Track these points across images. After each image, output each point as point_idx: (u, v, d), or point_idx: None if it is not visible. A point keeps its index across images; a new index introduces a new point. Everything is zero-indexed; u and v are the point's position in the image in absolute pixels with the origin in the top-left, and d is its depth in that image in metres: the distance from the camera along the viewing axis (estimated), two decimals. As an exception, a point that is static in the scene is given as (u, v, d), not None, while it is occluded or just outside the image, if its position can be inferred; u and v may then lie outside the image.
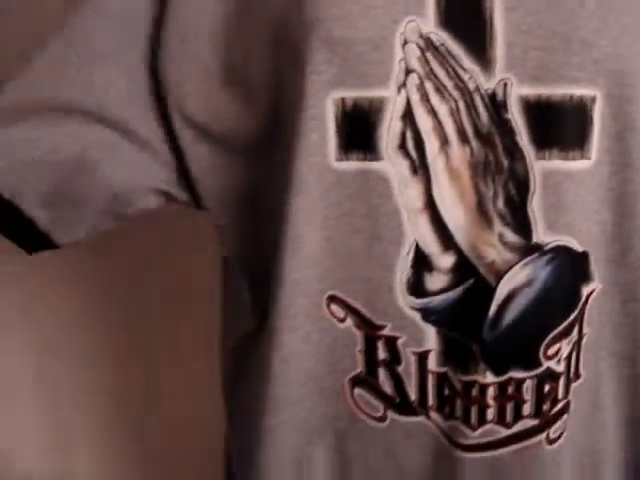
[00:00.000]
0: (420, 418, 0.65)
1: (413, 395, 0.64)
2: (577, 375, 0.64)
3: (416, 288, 0.61)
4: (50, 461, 1.41)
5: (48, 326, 1.33)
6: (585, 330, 0.63)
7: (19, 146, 0.65)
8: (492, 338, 0.61)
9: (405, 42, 0.57)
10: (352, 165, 0.60)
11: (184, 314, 1.16)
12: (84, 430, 1.41)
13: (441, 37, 0.57)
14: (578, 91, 0.58)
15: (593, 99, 0.58)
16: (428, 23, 0.57)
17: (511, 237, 0.59)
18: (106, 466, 1.43)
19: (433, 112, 0.58)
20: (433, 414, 0.65)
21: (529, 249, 0.60)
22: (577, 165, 0.59)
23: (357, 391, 0.65)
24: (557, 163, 0.58)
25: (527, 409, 0.63)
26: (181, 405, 1.33)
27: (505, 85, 0.58)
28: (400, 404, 0.65)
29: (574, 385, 0.64)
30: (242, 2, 0.63)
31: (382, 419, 0.66)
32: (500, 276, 0.60)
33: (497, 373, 0.62)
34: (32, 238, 0.69)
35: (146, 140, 0.66)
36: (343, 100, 0.59)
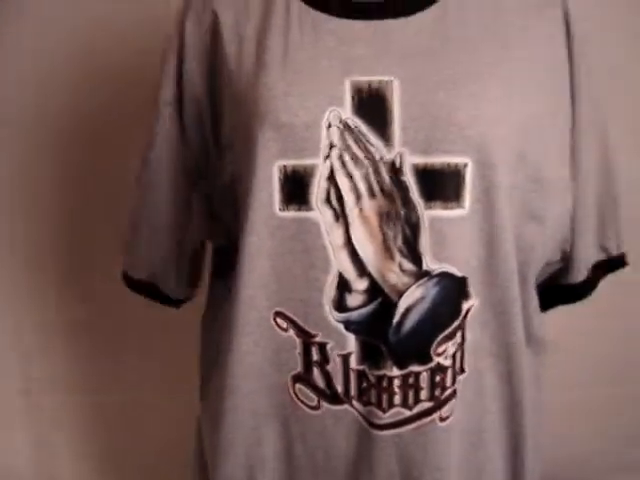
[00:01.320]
0: (345, 406, 0.82)
1: (339, 388, 0.82)
2: (462, 369, 0.82)
3: (339, 305, 0.79)
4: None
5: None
6: (467, 335, 0.81)
7: None
8: (395, 341, 0.79)
9: (329, 125, 0.76)
10: (291, 214, 0.78)
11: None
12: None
13: (355, 122, 0.77)
14: (454, 160, 0.76)
15: (465, 165, 0.77)
16: (346, 112, 0.76)
17: (408, 266, 0.78)
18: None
19: (350, 175, 0.77)
20: (355, 402, 0.82)
21: (421, 274, 0.78)
22: (455, 213, 0.77)
23: (297, 385, 0.83)
24: (440, 212, 0.77)
25: (424, 395, 0.80)
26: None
27: (401, 156, 0.76)
28: (330, 395, 0.82)
29: (459, 377, 0.82)
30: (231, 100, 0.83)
31: (317, 408, 0.83)
32: (400, 295, 0.78)
33: (400, 367, 0.79)
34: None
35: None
36: (285, 167, 0.78)
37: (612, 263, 0.98)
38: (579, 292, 0.96)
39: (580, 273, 0.94)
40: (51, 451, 1.65)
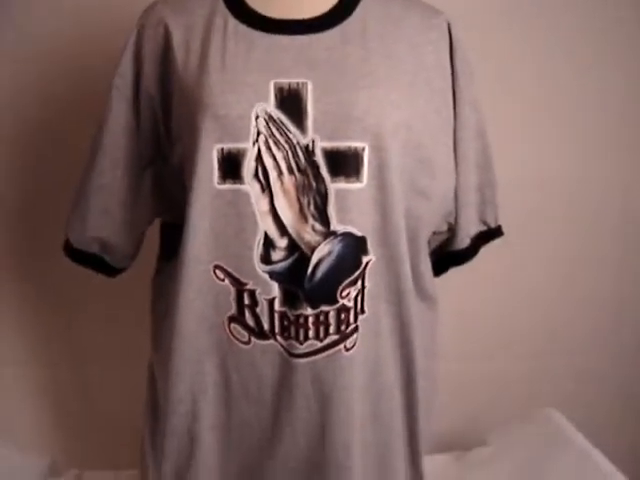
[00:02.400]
0: (271, 341, 1.00)
1: (266, 326, 0.99)
2: (362, 310, 1.01)
3: (265, 259, 0.97)
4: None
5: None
6: (366, 283, 1.00)
7: None
8: (309, 287, 0.97)
9: (257, 116, 0.95)
10: (227, 186, 0.97)
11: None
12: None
13: (278, 114, 0.95)
14: (354, 144, 0.95)
15: (363, 149, 0.95)
16: (270, 106, 0.95)
17: (319, 227, 0.96)
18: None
19: (273, 156, 0.95)
20: (278, 337, 1.00)
21: (329, 234, 0.96)
22: (355, 186, 0.96)
23: (232, 325, 1.01)
24: (343, 185, 0.96)
25: (332, 329, 0.99)
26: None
27: (313, 141, 0.95)
28: (258, 332, 1.00)
29: (361, 316, 1.00)
30: (179, 97, 1.00)
31: (247, 343, 1.01)
32: (313, 250, 0.96)
33: (313, 308, 0.98)
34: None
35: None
36: (222, 149, 0.96)
37: (491, 233, 1.19)
38: (464, 257, 1.17)
39: (463, 241, 1.15)
40: (12, 418, 1.75)
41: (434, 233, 1.13)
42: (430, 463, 1.18)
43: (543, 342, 1.85)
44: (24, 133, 1.61)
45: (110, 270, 1.16)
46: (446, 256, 1.18)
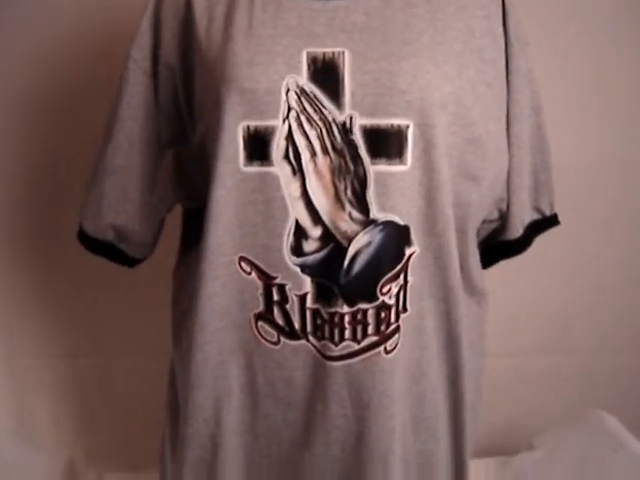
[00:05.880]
0: (302, 341, 0.92)
1: (297, 325, 0.91)
2: (405, 308, 0.91)
3: (296, 250, 0.88)
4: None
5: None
6: (409, 278, 0.91)
7: None
8: (346, 282, 0.88)
9: (288, 90, 0.86)
10: (254, 169, 0.88)
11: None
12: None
13: (311, 87, 0.86)
14: (397, 121, 0.86)
15: (407, 126, 0.86)
16: (302, 79, 0.86)
17: (356, 215, 0.87)
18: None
19: (306, 135, 0.86)
20: (310, 337, 0.91)
21: (368, 222, 0.87)
22: (397, 169, 0.87)
23: (259, 323, 0.92)
24: (384, 167, 0.86)
25: (370, 329, 0.90)
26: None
27: (351, 118, 0.86)
28: (289, 332, 0.92)
29: (402, 315, 0.91)
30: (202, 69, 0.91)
31: (276, 343, 0.93)
32: (350, 241, 0.87)
33: (350, 305, 0.89)
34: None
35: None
36: (248, 127, 0.87)
37: (546, 222, 1.08)
38: (516, 248, 1.07)
39: (516, 230, 1.04)
40: (31, 413, 1.71)
41: (484, 221, 1.03)
42: (472, 469, 1.09)
43: (593, 338, 1.75)
44: (37, 112, 1.55)
45: (127, 260, 1.08)
46: (496, 247, 1.07)
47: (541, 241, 1.10)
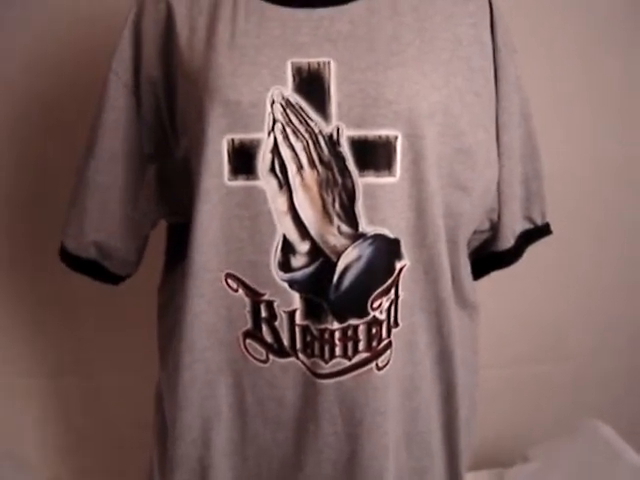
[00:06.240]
0: (292, 359, 0.89)
1: (286, 342, 0.89)
2: (396, 323, 0.89)
3: (284, 266, 0.86)
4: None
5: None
6: (400, 292, 0.88)
7: None
8: (335, 298, 0.86)
9: (273, 102, 0.83)
10: (239, 183, 0.85)
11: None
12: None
13: (296, 99, 0.84)
14: (385, 132, 0.83)
15: (395, 137, 0.84)
16: (287, 90, 0.84)
17: (345, 229, 0.85)
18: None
19: (292, 147, 0.84)
20: (300, 355, 0.89)
21: (357, 236, 0.85)
22: (386, 181, 0.85)
23: (248, 341, 0.90)
24: (373, 179, 0.84)
25: (361, 346, 0.88)
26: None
27: (338, 129, 0.84)
28: (278, 349, 0.89)
29: (394, 330, 0.89)
30: (184, 81, 0.89)
31: (265, 361, 0.90)
32: (339, 255, 0.85)
33: (340, 321, 0.87)
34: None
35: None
36: (233, 140, 0.84)
37: (537, 232, 1.07)
38: (507, 259, 1.05)
39: (507, 241, 1.02)
40: (15, 432, 1.67)
41: (474, 232, 1.01)
42: (468, 482, 1.07)
43: (586, 346, 1.73)
44: (24, 129, 1.52)
45: (110, 278, 1.05)
46: (487, 257, 1.05)
47: (532, 249, 1.08)
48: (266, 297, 0.88)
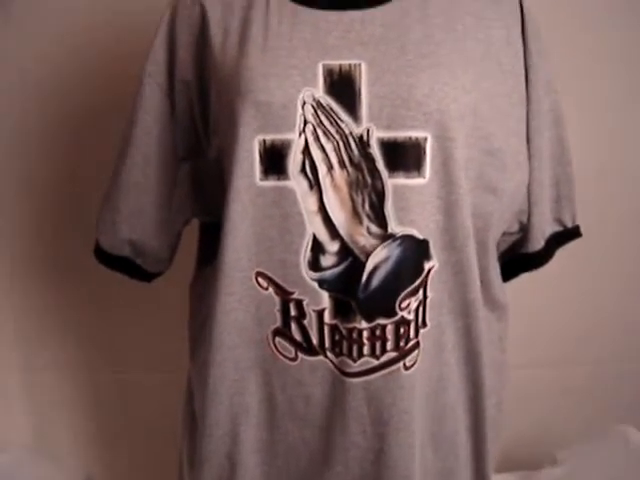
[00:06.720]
0: (320, 357, 0.90)
1: (315, 340, 0.90)
2: (424, 323, 0.90)
3: (314, 265, 0.87)
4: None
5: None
6: (428, 293, 0.89)
7: None
8: (364, 297, 0.87)
9: (304, 103, 0.85)
10: (270, 183, 0.87)
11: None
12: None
13: (327, 100, 0.85)
14: (415, 134, 0.84)
15: (425, 139, 0.85)
16: (318, 91, 0.85)
17: (374, 229, 0.86)
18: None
19: (322, 148, 0.85)
20: (329, 353, 0.90)
21: (386, 237, 0.86)
22: (416, 182, 0.85)
23: (277, 339, 0.91)
24: (402, 180, 0.85)
25: (389, 345, 0.88)
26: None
27: (368, 130, 0.85)
28: (306, 348, 0.90)
29: (422, 330, 0.89)
30: (217, 83, 0.91)
31: (294, 359, 0.91)
32: (368, 255, 0.86)
33: (368, 321, 0.87)
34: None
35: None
36: (264, 141, 0.86)
37: (567, 234, 1.06)
38: (537, 260, 1.05)
39: (537, 242, 1.02)
40: (50, 428, 1.70)
41: (504, 234, 1.01)
42: (494, 484, 1.06)
43: (619, 347, 1.70)
44: (56, 131, 1.55)
45: (144, 275, 1.07)
46: (516, 260, 1.05)
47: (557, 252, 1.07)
48: (295, 296, 0.89)
